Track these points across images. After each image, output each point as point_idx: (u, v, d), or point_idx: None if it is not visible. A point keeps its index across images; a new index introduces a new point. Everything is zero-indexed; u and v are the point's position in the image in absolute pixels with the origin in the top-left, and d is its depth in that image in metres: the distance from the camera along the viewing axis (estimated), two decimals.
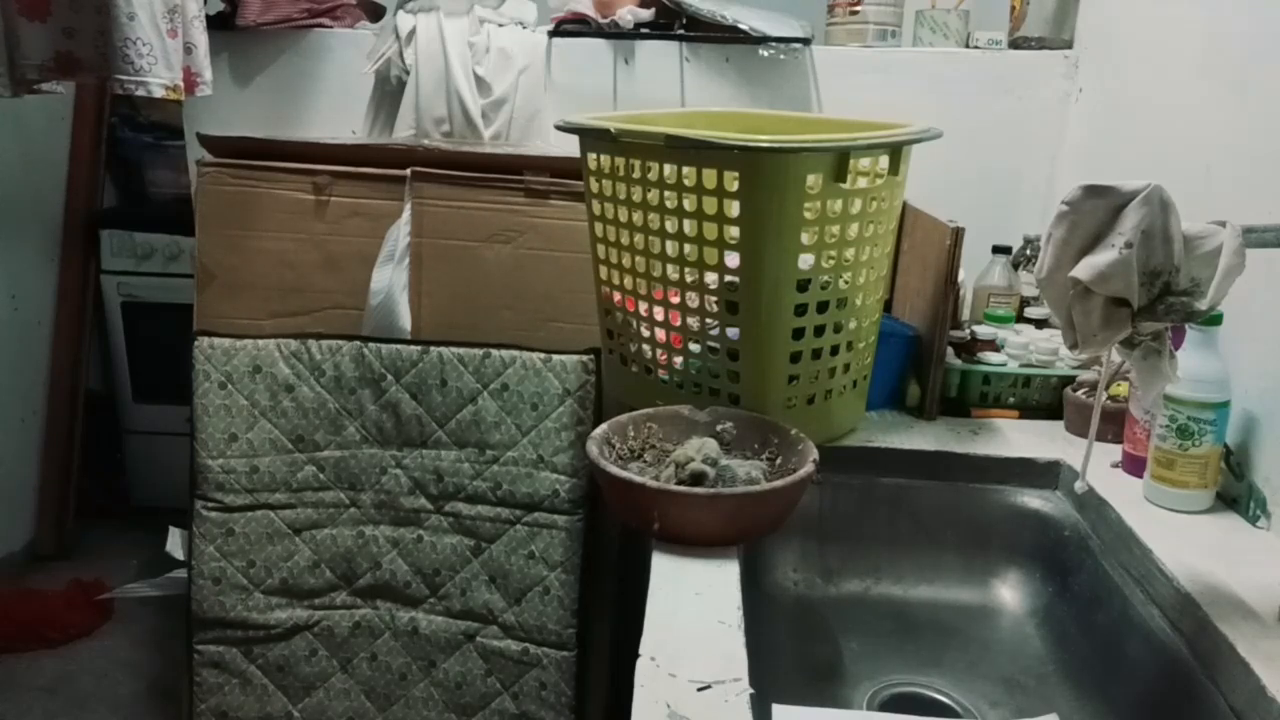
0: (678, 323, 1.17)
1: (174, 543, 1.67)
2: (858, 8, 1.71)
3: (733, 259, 1.08)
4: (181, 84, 1.53)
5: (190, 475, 1.52)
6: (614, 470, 0.97)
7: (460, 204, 1.54)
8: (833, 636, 1.16)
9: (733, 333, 1.12)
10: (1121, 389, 1.22)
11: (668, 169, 1.09)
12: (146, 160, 2.70)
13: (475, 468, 1.50)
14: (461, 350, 1.49)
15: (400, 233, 1.53)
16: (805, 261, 1.08)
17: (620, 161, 1.15)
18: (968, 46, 1.72)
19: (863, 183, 1.10)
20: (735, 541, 0.96)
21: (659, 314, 1.18)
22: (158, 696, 2.04)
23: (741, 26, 1.68)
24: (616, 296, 1.25)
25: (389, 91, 1.74)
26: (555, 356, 1.48)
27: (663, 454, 1.06)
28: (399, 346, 1.50)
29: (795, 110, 1.71)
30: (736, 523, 0.96)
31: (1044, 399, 1.34)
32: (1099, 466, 1.16)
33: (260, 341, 1.51)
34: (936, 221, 1.31)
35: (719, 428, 1.10)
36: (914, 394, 1.33)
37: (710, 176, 1.04)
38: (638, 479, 0.95)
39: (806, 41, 1.69)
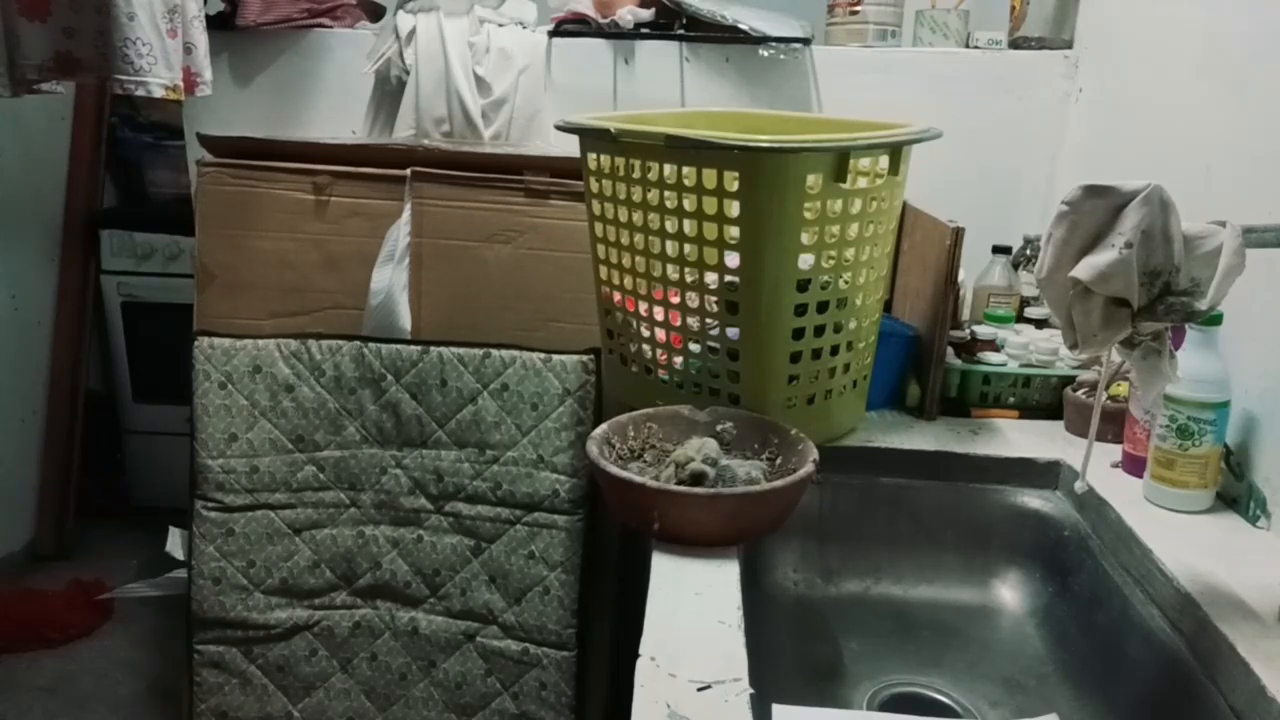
0: (678, 323, 1.17)
1: (174, 543, 1.67)
2: (858, 8, 1.71)
3: (733, 259, 1.08)
4: (181, 84, 1.54)
5: (190, 475, 1.52)
6: (614, 470, 0.97)
7: (460, 204, 1.54)
8: (833, 636, 1.16)
9: (733, 333, 1.12)
10: (1121, 389, 1.22)
11: (668, 169, 1.09)
12: (146, 160, 2.70)
13: (475, 468, 1.50)
14: (461, 350, 1.49)
15: (400, 233, 1.53)
16: (805, 261, 1.08)
17: (620, 161, 1.15)
18: (968, 46, 1.72)
19: (863, 183, 1.10)
20: (735, 541, 0.96)
21: (659, 314, 1.18)
22: (158, 696, 2.03)
23: (741, 26, 1.68)
24: (616, 296, 1.25)
25: (389, 91, 1.74)
26: (555, 356, 1.48)
27: (663, 454, 1.06)
28: (399, 346, 1.51)
29: (795, 110, 1.71)
30: (736, 523, 0.96)
31: (1044, 399, 1.34)
32: (1099, 466, 1.16)
33: (260, 341, 1.51)
34: (936, 221, 1.31)
35: (719, 428, 1.10)
36: (914, 394, 1.33)
37: (710, 176, 1.04)
38: (638, 479, 0.95)
39: (806, 41, 1.69)
